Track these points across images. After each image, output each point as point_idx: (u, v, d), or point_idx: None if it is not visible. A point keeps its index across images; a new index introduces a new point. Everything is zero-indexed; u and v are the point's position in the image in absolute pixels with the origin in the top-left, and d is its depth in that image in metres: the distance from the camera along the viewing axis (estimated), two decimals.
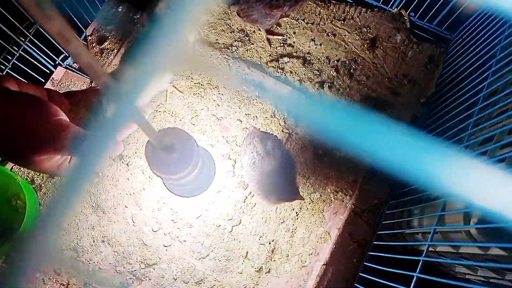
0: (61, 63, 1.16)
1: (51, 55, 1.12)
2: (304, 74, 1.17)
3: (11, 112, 0.50)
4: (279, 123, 1.11)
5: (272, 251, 1.02)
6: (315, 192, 1.06)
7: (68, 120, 0.57)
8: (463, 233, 0.75)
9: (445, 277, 0.66)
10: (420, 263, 0.74)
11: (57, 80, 1.15)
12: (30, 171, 1.06)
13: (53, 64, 1.15)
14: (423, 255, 0.75)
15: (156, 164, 0.67)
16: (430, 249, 0.81)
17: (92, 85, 1.14)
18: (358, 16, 1.23)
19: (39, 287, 0.98)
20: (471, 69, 0.98)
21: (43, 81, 1.14)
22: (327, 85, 1.16)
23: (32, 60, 1.09)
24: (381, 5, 1.23)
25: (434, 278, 0.66)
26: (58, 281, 0.98)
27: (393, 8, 1.23)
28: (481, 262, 0.74)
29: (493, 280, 0.84)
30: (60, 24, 0.31)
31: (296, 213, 1.04)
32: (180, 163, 0.69)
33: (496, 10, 0.97)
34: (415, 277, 0.72)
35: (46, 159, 0.53)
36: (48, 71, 1.15)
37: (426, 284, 0.72)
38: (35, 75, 1.11)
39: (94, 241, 1.01)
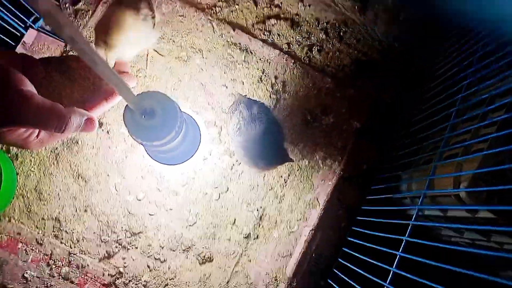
0: (32, 25, 1.07)
1: (21, 16, 1.03)
2: (292, 37, 1.13)
3: None
4: (266, 89, 1.07)
5: (260, 218, 1.01)
6: (303, 159, 1.04)
7: (35, 89, 0.51)
8: (453, 197, 0.75)
9: (432, 241, 0.66)
10: (410, 227, 0.74)
11: (28, 43, 1.07)
12: None
13: (23, 26, 1.07)
14: (412, 219, 0.74)
15: (136, 130, 0.64)
16: (419, 213, 0.81)
17: (67, 49, 1.07)
18: None
19: (22, 258, 0.95)
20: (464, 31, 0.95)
21: (14, 44, 1.07)
22: (316, 49, 1.12)
23: (1, 22, 1.00)
24: None
25: (424, 242, 0.66)
26: (41, 251, 0.96)
27: None
28: (469, 225, 0.75)
29: (478, 242, 0.85)
30: None
31: (284, 180, 1.03)
32: (162, 128, 0.65)
33: None
34: (404, 241, 0.72)
35: (8, 131, 0.48)
36: (19, 34, 1.07)
37: (414, 248, 0.72)
38: (5, 38, 1.03)
39: (76, 211, 0.98)
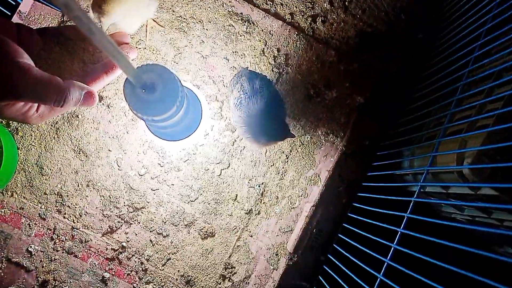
0: None
1: None
2: (296, 6, 1.08)
3: None
4: (269, 62, 1.05)
5: (262, 194, 1.01)
6: (305, 135, 1.03)
7: (32, 61, 0.50)
8: (455, 173, 0.74)
9: (431, 217, 0.66)
10: (411, 204, 0.73)
11: (25, 13, 1.03)
12: None
13: None
14: (414, 196, 0.74)
15: (137, 104, 0.62)
16: (420, 190, 0.80)
17: (65, 20, 1.04)
18: None
19: (25, 232, 0.96)
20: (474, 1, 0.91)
21: (9, 14, 1.03)
22: (320, 19, 1.08)
23: None
24: None
25: (425, 219, 0.66)
26: (44, 226, 0.97)
27: None
28: (472, 202, 0.74)
29: (478, 218, 0.85)
30: None
31: (286, 156, 1.02)
32: (162, 103, 0.63)
33: None
34: (405, 217, 0.72)
35: (6, 106, 0.47)
36: (14, 3, 1.04)
37: (414, 224, 0.72)
38: (0, 8, 1.00)
39: (78, 186, 0.98)
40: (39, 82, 0.48)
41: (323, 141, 1.03)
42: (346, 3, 1.09)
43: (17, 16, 1.03)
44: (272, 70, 1.04)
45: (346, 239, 0.91)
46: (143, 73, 0.62)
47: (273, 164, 1.02)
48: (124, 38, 0.65)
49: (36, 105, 0.51)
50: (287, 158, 1.02)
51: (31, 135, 0.99)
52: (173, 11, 1.04)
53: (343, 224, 0.98)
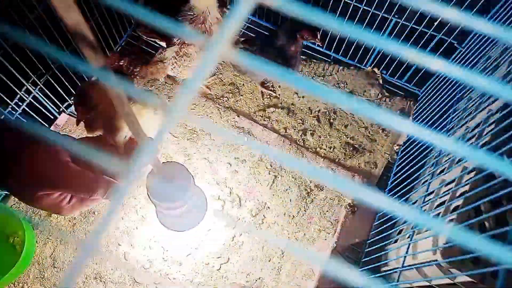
0: (65, 110, 1.25)
1: (57, 102, 1.21)
2: (289, 122, 1.29)
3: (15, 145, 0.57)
4: (266, 166, 1.21)
5: None
6: (299, 231, 1.13)
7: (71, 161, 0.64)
8: (435, 266, 0.82)
9: None
10: None
11: (60, 125, 1.24)
12: (28, 210, 1.11)
13: (57, 110, 1.24)
14: None
15: (155, 192, 0.76)
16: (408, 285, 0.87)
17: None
18: (336, 73, 1.38)
19: None
20: (436, 119, 1.11)
21: (47, 125, 1.23)
22: (309, 133, 1.28)
23: (39, 106, 1.17)
24: (357, 64, 1.39)
25: None
26: None
27: (367, 66, 1.39)
28: None
29: None
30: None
31: (282, 251, 1.10)
32: (176, 192, 0.77)
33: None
34: None
35: (45, 195, 0.59)
36: (52, 117, 1.24)
37: None
38: (40, 120, 1.20)
39: (86, 278, 1.04)
40: (75, 175, 0.61)
41: (316, 237, 1.13)
42: (331, 119, 1.31)
43: (54, 127, 1.23)
44: (269, 174, 1.19)
45: None
46: (166, 167, 0.78)
47: (270, 259, 1.09)
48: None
49: (68, 196, 0.63)
50: (283, 252, 1.10)
51: (50, 230, 1.09)
52: (186, 126, 1.24)
53: None
